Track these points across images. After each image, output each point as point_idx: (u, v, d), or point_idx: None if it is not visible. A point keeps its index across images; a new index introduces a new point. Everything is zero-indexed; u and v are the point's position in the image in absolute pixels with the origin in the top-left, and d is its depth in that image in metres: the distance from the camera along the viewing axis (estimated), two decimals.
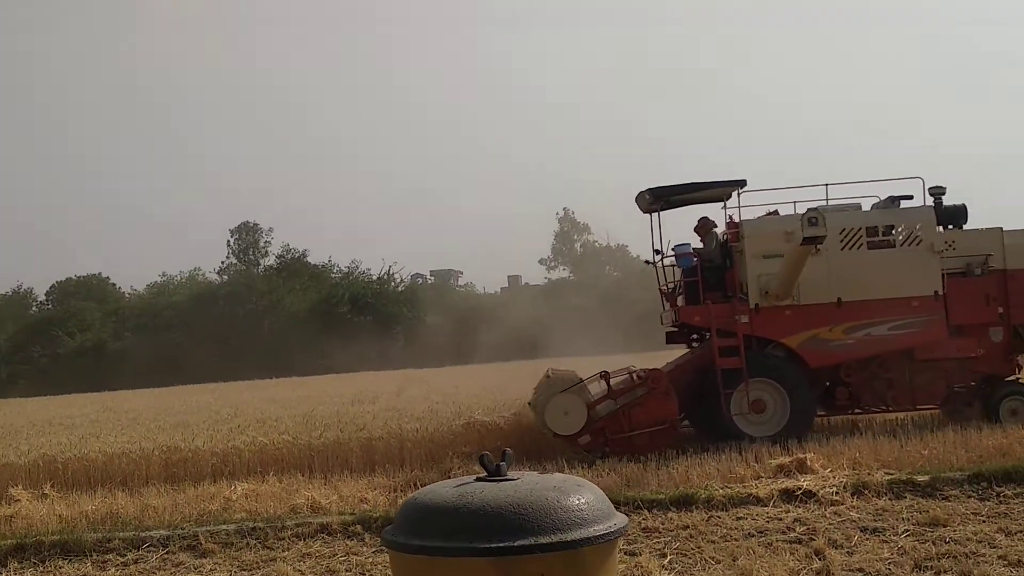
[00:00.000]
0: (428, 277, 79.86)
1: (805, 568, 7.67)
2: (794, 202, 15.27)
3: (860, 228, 14.87)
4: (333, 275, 73.78)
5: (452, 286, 78.67)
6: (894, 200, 15.49)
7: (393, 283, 71.98)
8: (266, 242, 78.62)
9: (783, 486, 10.17)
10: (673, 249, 15.66)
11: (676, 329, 16.13)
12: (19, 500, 12.81)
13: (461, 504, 1.43)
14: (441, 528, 1.41)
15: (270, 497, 11.84)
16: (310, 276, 72.79)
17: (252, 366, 52.08)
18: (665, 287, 16.19)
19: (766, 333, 14.95)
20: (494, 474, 1.51)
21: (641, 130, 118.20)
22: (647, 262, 16.02)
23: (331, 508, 11.05)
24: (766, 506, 9.71)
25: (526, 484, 1.45)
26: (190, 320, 66.88)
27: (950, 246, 15.02)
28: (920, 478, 10.13)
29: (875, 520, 9.00)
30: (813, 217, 13.23)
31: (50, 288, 79.05)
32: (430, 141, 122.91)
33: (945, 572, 7.29)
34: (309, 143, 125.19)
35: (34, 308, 78.44)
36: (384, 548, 1.36)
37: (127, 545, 9.88)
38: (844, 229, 14.81)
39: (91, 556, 9.66)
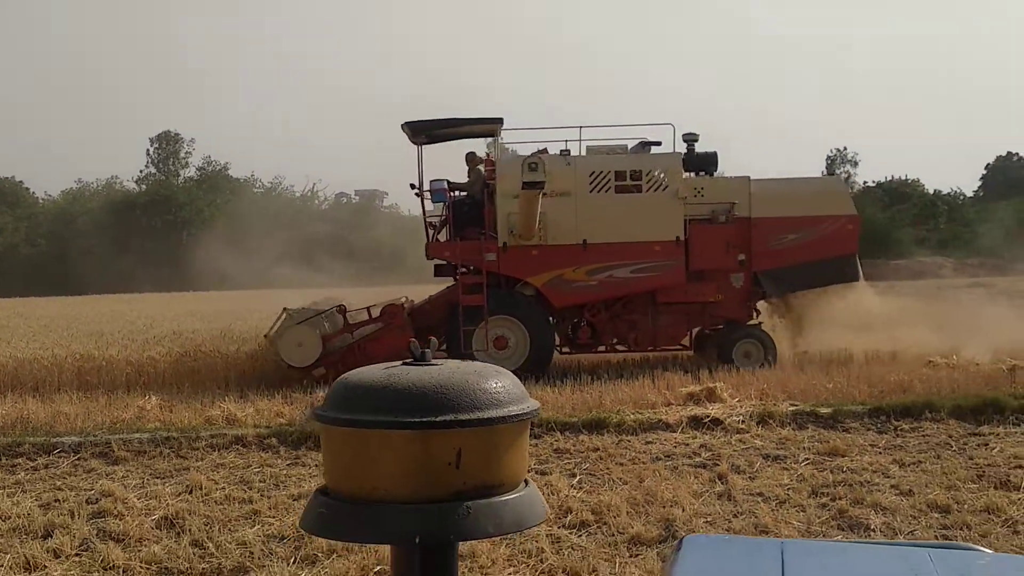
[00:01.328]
0: (353, 196, 79.08)
1: (708, 491, 7.94)
2: (565, 140, 15.36)
3: (609, 172, 14.93)
4: (256, 189, 72.75)
5: (377, 207, 78.04)
6: (644, 146, 15.65)
7: (316, 201, 71.29)
8: (187, 152, 77.12)
9: (692, 413, 10.45)
10: (430, 183, 15.56)
11: (444, 263, 15.97)
12: None
13: (389, 384, 1.59)
14: (370, 404, 1.56)
15: (185, 408, 11.83)
16: (231, 190, 71.64)
17: (170, 278, 51.33)
18: (432, 220, 15.82)
19: (512, 272, 15.04)
20: (419, 359, 1.68)
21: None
22: (417, 194, 15.79)
23: (246, 421, 11.06)
24: (675, 432, 9.97)
25: (448, 368, 1.62)
26: (106, 228, 65.53)
27: (699, 192, 15.23)
28: (823, 410, 10.50)
29: (778, 448, 9.32)
30: (533, 163, 13.22)
31: None
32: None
33: (840, 499, 7.61)
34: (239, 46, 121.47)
35: None
36: (317, 422, 1.56)
37: (37, 450, 9.80)
38: (594, 172, 14.93)
39: (1, 460, 9.57)
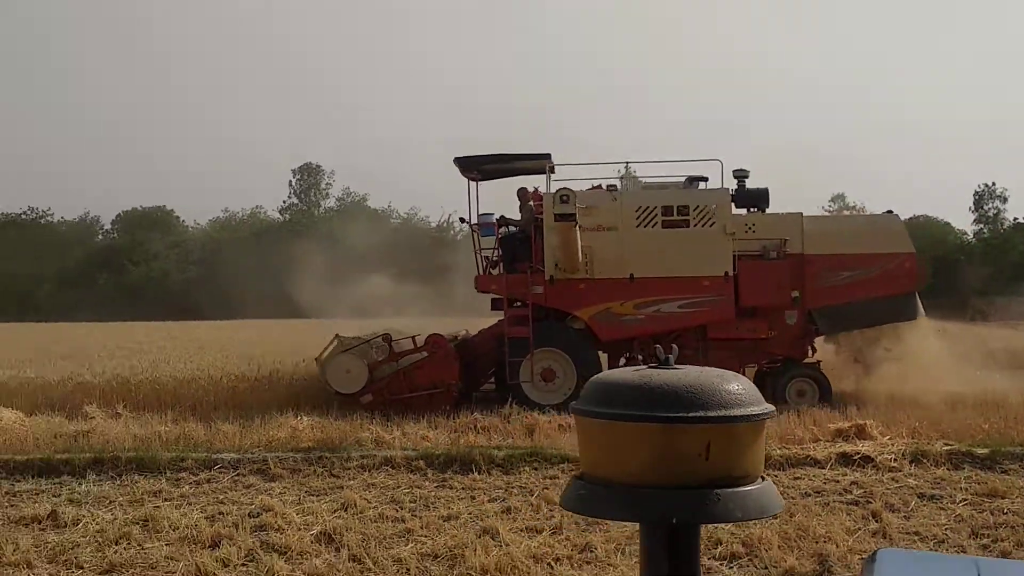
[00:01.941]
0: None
1: (862, 528, 7.79)
2: (620, 177, 15.62)
3: (656, 207, 14.88)
4: (393, 220, 74.39)
5: None
6: (692, 181, 15.53)
7: (452, 232, 72.30)
8: (327, 184, 79.53)
9: (841, 450, 10.26)
10: (479, 217, 15.87)
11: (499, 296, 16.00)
12: (94, 417, 13.35)
13: (642, 383, 1.74)
14: (624, 400, 1.72)
15: (335, 429, 12.19)
16: (369, 220, 73.42)
17: (311, 306, 52.70)
18: (487, 253, 16.01)
19: (560, 305, 15.13)
20: (663, 364, 1.83)
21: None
22: (468, 225, 16.22)
23: (394, 443, 11.36)
24: (823, 468, 9.81)
25: (693, 372, 1.78)
26: (252, 256, 67.89)
27: (750, 228, 15.05)
28: (979, 451, 10.17)
29: (933, 487, 9.07)
30: (564, 195, 13.31)
31: (116, 217, 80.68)
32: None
33: (1002, 540, 7.37)
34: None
35: (99, 236, 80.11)
36: (573, 416, 1.77)
37: (199, 465, 10.28)
38: (640, 207, 14.92)
39: (165, 473, 10.06)
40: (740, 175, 15.54)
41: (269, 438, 11.74)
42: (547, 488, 9.26)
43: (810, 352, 15.53)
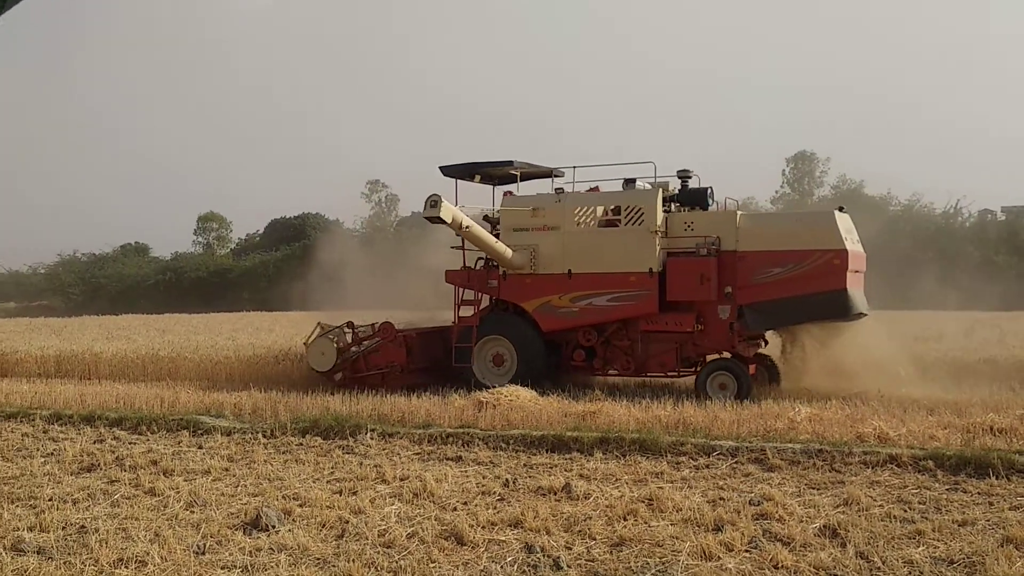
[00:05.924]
0: (999, 214, 73.36)
1: None
2: (618, 179, 16.70)
3: (593, 208, 16.28)
4: (892, 207, 70.71)
5: None
6: (628, 183, 16.62)
7: (960, 219, 67.31)
8: (822, 172, 77.55)
9: None
10: None
11: None
12: (601, 400, 14.17)
13: None
14: None
15: (835, 423, 11.87)
16: (866, 208, 70.41)
17: None
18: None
19: (510, 297, 16.89)
20: None
21: None
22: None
23: (899, 441, 10.80)
24: None
25: None
26: None
27: (689, 226, 15.74)
28: None
29: None
30: (433, 199, 14.89)
31: None
32: None
33: None
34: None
35: None
36: None
37: (698, 450, 10.50)
38: (579, 208, 16.35)
39: (666, 456, 10.40)
40: (683, 175, 16.44)
41: (766, 428, 11.74)
42: None
43: (758, 347, 16.31)
